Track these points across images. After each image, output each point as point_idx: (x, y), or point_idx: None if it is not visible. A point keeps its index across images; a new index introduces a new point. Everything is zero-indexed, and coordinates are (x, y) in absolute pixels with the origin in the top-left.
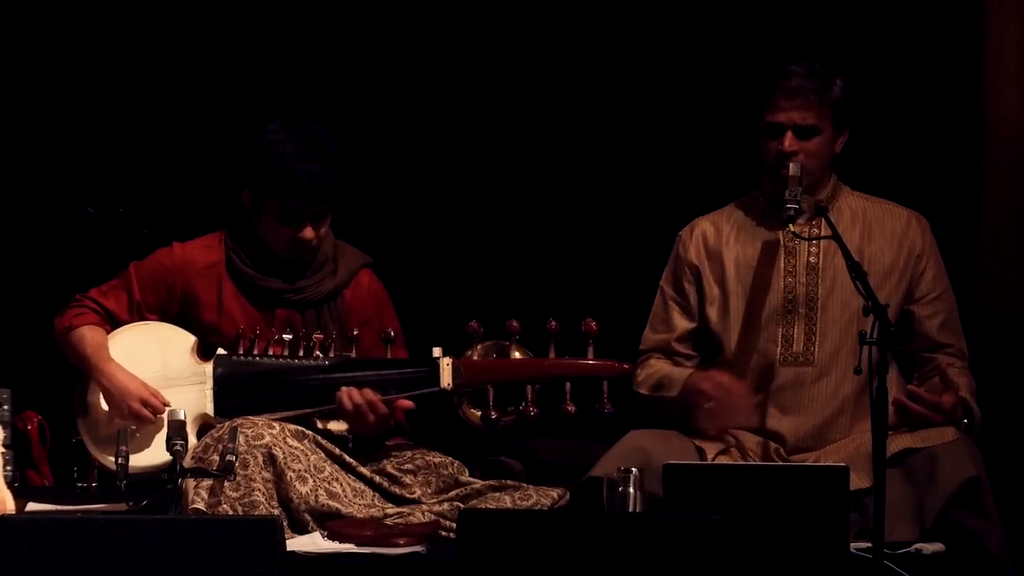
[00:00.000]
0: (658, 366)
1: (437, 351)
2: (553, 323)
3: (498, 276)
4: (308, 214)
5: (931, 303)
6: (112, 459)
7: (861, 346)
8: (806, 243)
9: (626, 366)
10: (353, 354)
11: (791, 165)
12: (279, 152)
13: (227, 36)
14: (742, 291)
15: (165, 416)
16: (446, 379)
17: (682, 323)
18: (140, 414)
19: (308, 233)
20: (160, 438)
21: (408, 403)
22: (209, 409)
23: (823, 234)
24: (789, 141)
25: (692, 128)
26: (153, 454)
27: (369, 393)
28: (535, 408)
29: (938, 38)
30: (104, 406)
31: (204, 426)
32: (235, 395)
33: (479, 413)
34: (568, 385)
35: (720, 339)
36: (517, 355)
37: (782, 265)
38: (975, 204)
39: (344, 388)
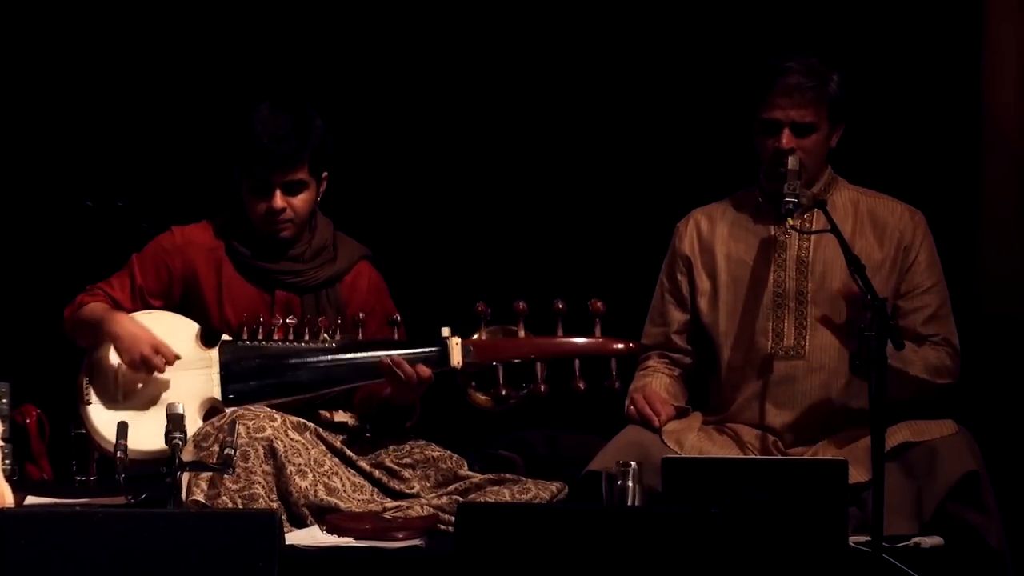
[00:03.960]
0: (643, 381)
1: (446, 331)
2: (560, 303)
3: (504, 258)
4: (276, 181)
5: (918, 297)
6: (117, 434)
7: (860, 340)
8: (797, 238)
9: (632, 345)
10: (360, 336)
11: (790, 159)
12: (253, 120)
13: (225, 28)
14: (733, 285)
15: (164, 410)
16: (456, 358)
17: (677, 315)
18: (151, 361)
19: (277, 202)
20: (160, 424)
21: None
22: (216, 394)
23: (820, 228)
24: (787, 138)
25: (698, 110)
26: (155, 439)
27: (424, 369)
28: (546, 385)
29: (937, 34)
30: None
31: (211, 410)
32: (243, 379)
33: (485, 397)
34: (577, 362)
35: (710, 332)
36: (523, 336)
37: (772, 259)
38: (974, 200)
39: (392, 358)
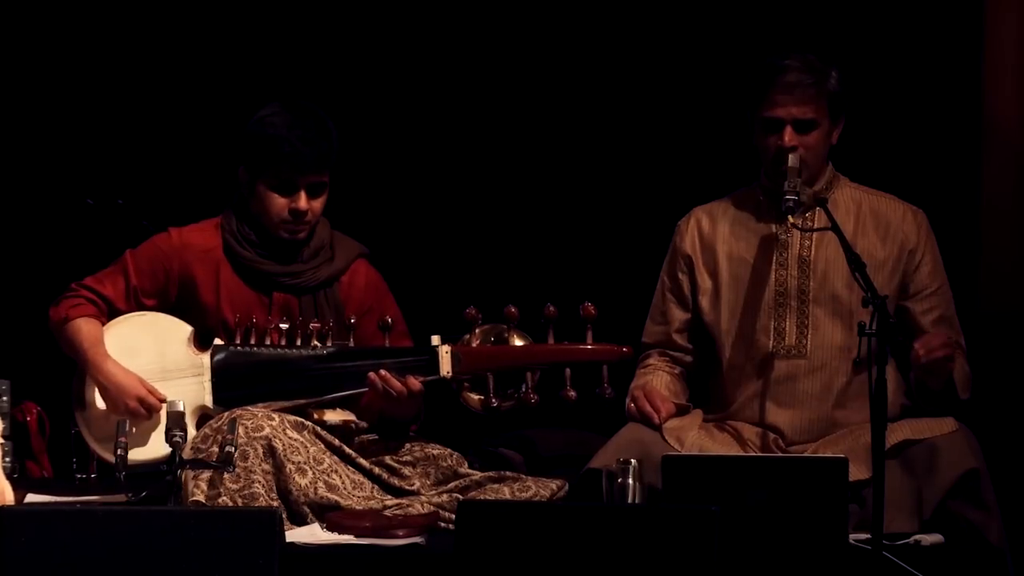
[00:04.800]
0: (643, 379)
1: (436, 339)
2: (551, 308)
3: (495, 262)
4: (302, 183)
5: (926, 299)
6: (111, 453)
7: (860, 337)
8: (798, 236)
9: (625, 349)
10: (351, 343)
11: (790, 157)
12: (272, 122)
13: (226, 26)
14: (734, 283)
15: (164, 410)
16: (445, 367)
17: (678, 314)
18: (137, 412)
19: (302, 203)
20: (159, 432)
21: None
22: (208, 401)
23: (821, 226)
24: (789, 136)
25: (692, 111)
26: (152, 448)
27: (413, 381)
28: (535, 395)
29: (938, 30)
30: (101, 403)
31: (203, 417)
32: (234, 386)
33: (479, 399)
34: (568, 371)
35: (712, 331)
36: (516, 340)
37: (774, 258)
38: (975, 196)
39: (379, 373)
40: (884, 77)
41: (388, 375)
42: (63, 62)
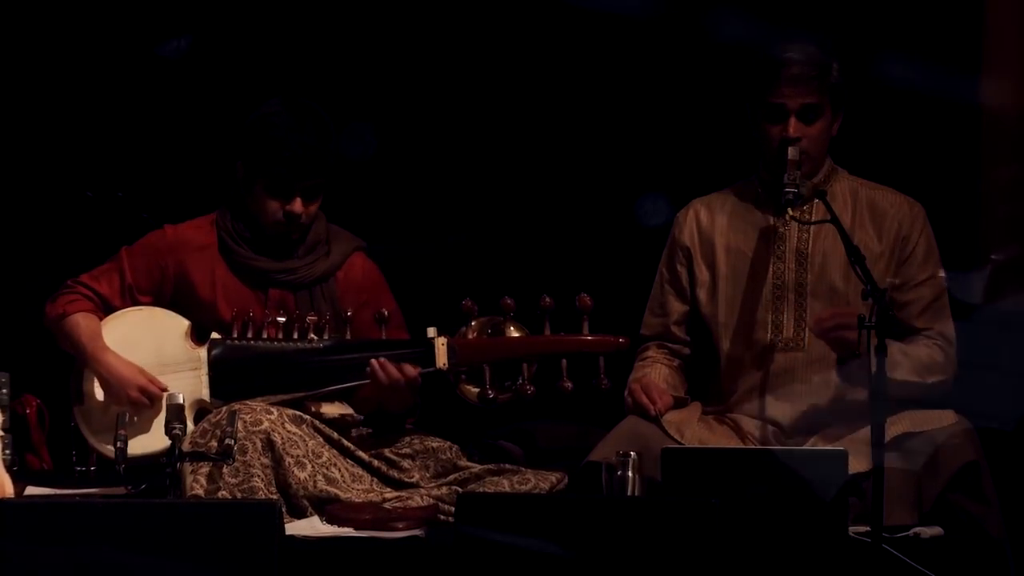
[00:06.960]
0: (642, 372)
1: (432, 331)
2: (547, 299)
3: (491, 254)
4: (298, 187)
5: (913, 290)
6: (110, 448)
7: (860, 330)
8: (796, 229)
9: (622, 340)
10: (348, 336)
11: (790, 149)
12: (274, 123)
13: (225, 20)
14: (732, 276)
15: (164, 401)
16: (441, 359)
17: (676, 306)
18: (139, 402)
19: (297, 206)
20: (158, 425)
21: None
22: (205, 394)
23: (820, 219)
24: (794, 126)
25: (691, 103)
26: (152, 440)
27: (409, 369)
28: (532, 386)
29: (937, 21)
30: (100, 395)
31: (200, 411)
32: (231, 380)
33: (476, 391)
34: (564, 362)
35: (709, 323)
36: (513, 331)
37: (772, 251)
38: (974, 192)
39: (378, 360)
40: (884, 72)
41: (386, 362)
42: (63, 55)
